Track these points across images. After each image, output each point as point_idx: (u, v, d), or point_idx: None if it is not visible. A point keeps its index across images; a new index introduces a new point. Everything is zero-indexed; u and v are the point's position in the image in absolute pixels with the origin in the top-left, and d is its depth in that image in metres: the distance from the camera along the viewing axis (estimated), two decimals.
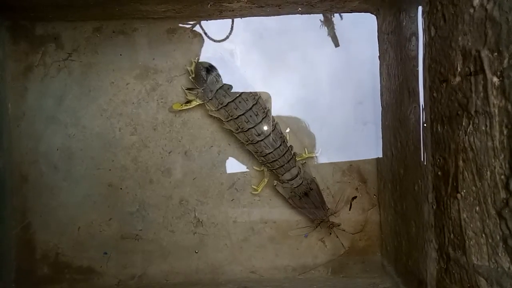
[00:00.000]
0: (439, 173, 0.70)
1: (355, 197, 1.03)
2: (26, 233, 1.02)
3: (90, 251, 1.02)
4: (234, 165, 1.04)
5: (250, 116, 0.94)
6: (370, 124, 1.03)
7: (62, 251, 1.02)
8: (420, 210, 0.77)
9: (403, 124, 0.86)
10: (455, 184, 0.65)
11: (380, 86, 1.00)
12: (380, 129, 1.01)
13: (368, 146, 1.04)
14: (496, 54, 0.54)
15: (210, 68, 0.97)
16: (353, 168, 1.04)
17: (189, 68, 0.99)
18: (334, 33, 1.01)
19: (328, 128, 1.04)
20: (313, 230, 1.02)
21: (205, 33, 1.03)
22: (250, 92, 0.95)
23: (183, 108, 1.00)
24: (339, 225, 1.01)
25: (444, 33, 0.67)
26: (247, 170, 1.04)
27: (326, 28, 1.02)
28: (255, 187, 1.02)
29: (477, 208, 0.60)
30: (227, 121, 0.96)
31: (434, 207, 0.73)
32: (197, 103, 0.99)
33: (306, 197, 0.99)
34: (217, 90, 0.95)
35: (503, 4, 0.52)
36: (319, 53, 1.04)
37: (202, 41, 1.03)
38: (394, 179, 0.93)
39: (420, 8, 0.76)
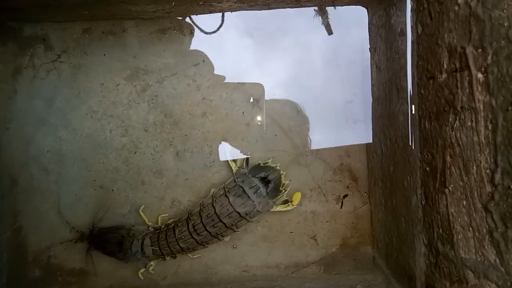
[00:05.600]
0: (427, 168, 0.71)
1: (346, 195, 1.04)
2: (18, 236, 1.01)
3: (83, 253, 1.01)
4: (225, 165, 1.04)
5: (227, 209, 0.94)
6: (361, 122, 1.04)
7: (54, 254, 1.01)
8: (410, 206, 0.78)
9: (392, 121, 0.87)
10: (443, 179, 0.66)
11: (371, 79, 1.01)
12: (371, 128, 1.02)
13: (359, 144, 1.04)
14: (480, 50, 0.55)
15: (263, 178, 0.97)
16: (344, 167, 1.05)
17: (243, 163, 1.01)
18: (328, 22, 1.02)
19: (318, 127, 1.05)
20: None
21: (196, 25, 1.03)
22: (254, 215, 0.96)
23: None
24: None
25: (430, 30, 0.68)
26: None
27: (320, 17, 1.02)
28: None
29: (464, 203, 0.61)
30: (228, 188, 0.97)
31: (423, 202, 0.73)
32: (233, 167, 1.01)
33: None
34: (256, 194, 0.95)
35: (486, 2, 0.53)
36: (311, 44, 1.04)
37: (192, 40, 1.03)
38: (384, 176, 0.94)
39: (408, 5, 0.77)
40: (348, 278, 0.97)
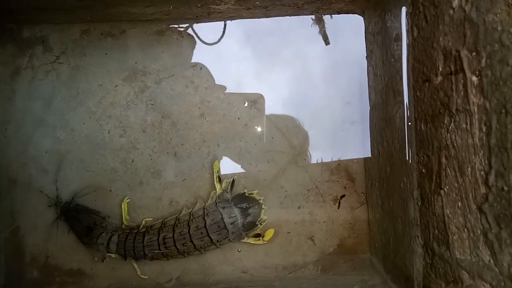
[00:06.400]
0: (423, 170, 0.72)
1: (343, 196, 1.05)
2: (15, 236, 1.01)
3: (80, 253, 1.01)
4: (223, 166, 1.04)
5: (201, 232, 0.95)
6: (358, 123, 1.04)
7: (52, 254, 1.02)
8: (406, 207, 0.79)
9: (389, 123, 0.88)
10: (438, 181, 0.67)
11: (368, 86, 1.02)
12: (368, 129, 1.02)
13: (356, 145, 1.05)
14: (474, 54, 0.56)
15: (244, 210, 0.98)
16: (341, 167, 1.05)
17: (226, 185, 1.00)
18: (325, 31, 1.03)
19: (316, 128, 1.05)
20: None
21: (197, 36, 1.03)
22: (225, 243, 0.97)
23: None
24: None
25: (426, 33, 0.69)
26: (237, 171, 1.04)
27: (317, 26, 1.03)
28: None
29: (459, 204, 0.61)
30: (208, 210, 0.97)
31: (419, 204, 0.74)
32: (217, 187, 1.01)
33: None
34: (232, 219, 0.96)
35: (480, 6, 0.54)
36: (309, 53, 1.05)
37: (191, 43, 1.04)
38: (381, 178, 0.94)
39: (403, 9, 0.78)
40: (345, 279, 0.98)
